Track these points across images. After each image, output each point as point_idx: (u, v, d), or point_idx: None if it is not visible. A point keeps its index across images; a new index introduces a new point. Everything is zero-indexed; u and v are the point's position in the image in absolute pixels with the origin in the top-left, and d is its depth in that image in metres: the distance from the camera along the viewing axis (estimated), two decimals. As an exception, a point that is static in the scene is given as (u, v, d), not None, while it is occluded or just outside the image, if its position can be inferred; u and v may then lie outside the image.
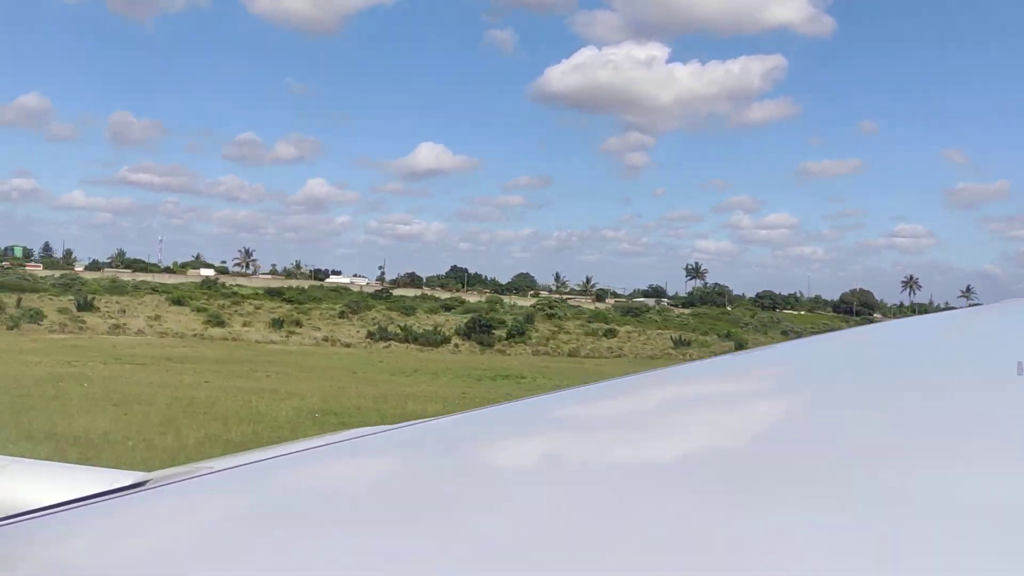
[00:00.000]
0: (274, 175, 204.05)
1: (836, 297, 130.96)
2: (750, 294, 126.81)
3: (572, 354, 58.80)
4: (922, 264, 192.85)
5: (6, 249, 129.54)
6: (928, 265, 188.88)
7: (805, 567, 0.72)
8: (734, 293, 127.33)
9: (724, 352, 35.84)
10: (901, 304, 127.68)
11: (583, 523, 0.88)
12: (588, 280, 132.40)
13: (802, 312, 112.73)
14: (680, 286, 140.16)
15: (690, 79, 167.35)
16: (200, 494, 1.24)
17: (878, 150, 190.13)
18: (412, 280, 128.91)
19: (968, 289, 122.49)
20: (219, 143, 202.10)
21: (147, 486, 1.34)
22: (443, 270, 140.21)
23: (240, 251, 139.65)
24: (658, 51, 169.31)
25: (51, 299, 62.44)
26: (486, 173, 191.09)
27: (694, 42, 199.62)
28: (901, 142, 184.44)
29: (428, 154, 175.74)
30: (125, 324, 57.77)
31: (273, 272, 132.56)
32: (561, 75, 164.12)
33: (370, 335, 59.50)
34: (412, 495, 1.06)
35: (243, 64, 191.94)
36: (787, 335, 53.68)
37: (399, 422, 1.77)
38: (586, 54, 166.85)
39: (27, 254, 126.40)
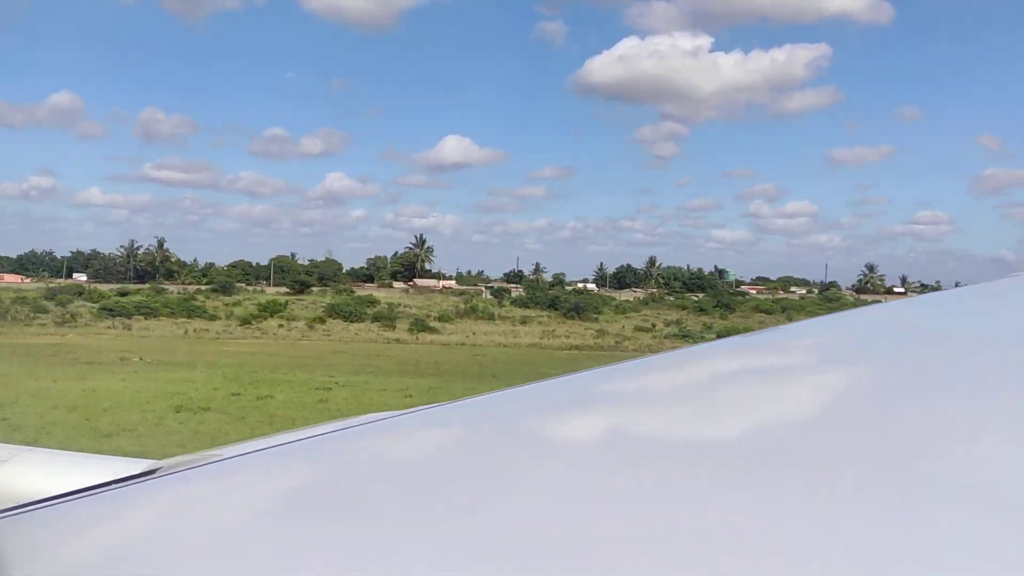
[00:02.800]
0: (298, 170, 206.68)
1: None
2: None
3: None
4: (937, 251, 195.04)
5: (721, 271, 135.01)
6: (943, 252, 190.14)
7: (840, 552, 0.70)
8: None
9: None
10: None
11: (611, 506, 0.86)
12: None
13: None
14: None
15: (733, 68, 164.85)
16: (210, 482, 1.24)
17: (914, 137, 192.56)
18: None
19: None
20: (249, 139, 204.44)
21: (157, 474, 1.34)
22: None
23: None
24: (702, 41, 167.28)
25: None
26: (511, 165, 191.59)
27: (750, 31, 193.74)
28: (939, 129, 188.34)
29: (454, 147, 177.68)
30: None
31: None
32: (602, 66, 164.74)
33: None
34: (426, 481, 1.03)
35: (290, 61, 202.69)
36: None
37: None
38: (628, 44, 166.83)
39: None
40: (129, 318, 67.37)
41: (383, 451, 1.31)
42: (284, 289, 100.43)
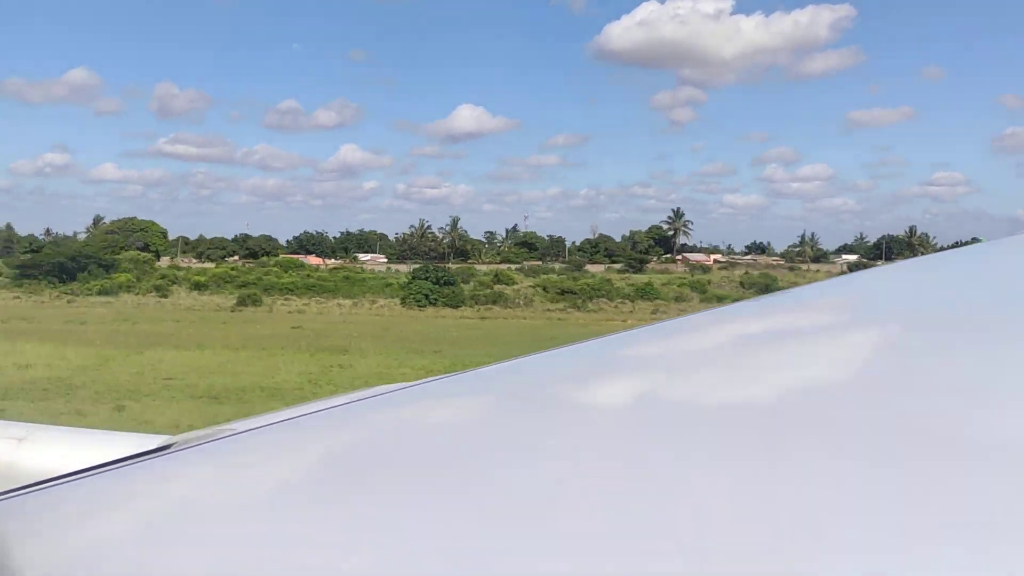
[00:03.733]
0: (312, 142, 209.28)
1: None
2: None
3: None
4: (954, 212, 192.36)
5: (975, 239, 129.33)
6: (960, 213, 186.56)
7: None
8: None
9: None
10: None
11: (638, 473, 0.84)
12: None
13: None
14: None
15: (754, 31, 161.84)
16: (224, 456, 1.23)
17: (936, 97, 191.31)
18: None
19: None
20: (263, 112, 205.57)
21: (172, 450, 1.34)
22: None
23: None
24: (724, 3, 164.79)
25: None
26: (525, 134, 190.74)
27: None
28: (961, 89, 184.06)
29: (468, 116, 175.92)
30: None
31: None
32: (622, 31, 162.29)
33: None
34: (445, 450, 1.02)
35: (306, 32, 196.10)
36: None
37: None
38: (648, 9, 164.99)
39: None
40: (588, 300, 67.76)
41: (398, 422, 1.28)
42: (602, 265, 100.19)
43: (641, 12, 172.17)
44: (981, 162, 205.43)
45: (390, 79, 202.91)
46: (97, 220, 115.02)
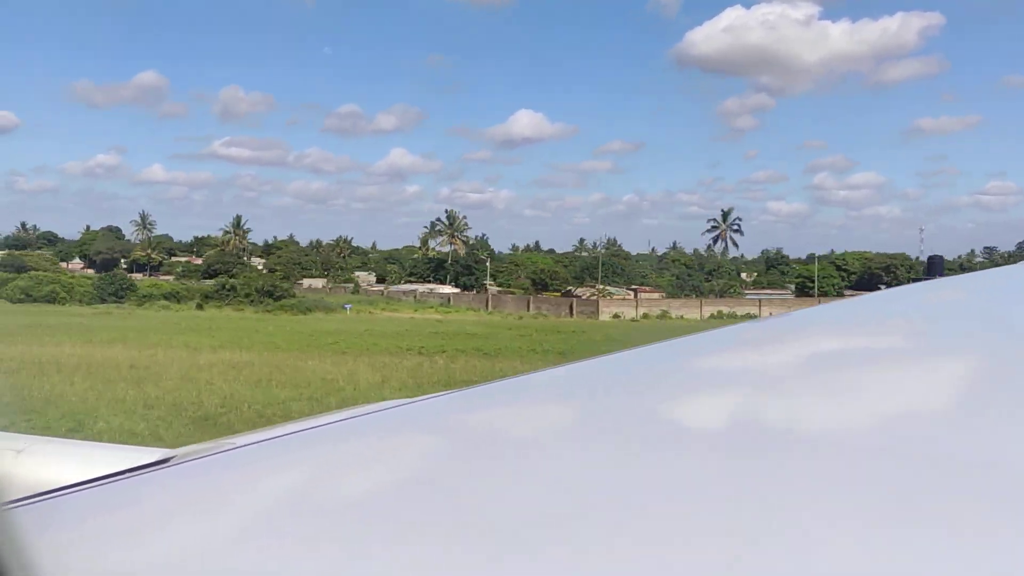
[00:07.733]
0: (366, 146, 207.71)
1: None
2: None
3: None
4: (998, 222, 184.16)
5: None
6: (1003, 223, 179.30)
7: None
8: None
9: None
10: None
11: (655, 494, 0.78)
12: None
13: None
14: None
15: (838, 38, 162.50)
16: (225, 470, 1.23)
17: (1006, 106, 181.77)
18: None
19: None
20: (324, 116, 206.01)
21: (172, 462, 1.34)
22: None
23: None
24: (810, 9, 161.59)
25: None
26: (582, 140, 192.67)
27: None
28: None
29: (526, 122, 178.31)
30: None
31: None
32: (704, 38, 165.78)
33: None
34: (449, 469, 0.99)
35: (393, 38, 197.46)
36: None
37: None
38: (732, 15, 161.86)
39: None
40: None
41: (402, 439, 1.26)
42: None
43: (725, 18, 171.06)
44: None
45: (459, 84, 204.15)
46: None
